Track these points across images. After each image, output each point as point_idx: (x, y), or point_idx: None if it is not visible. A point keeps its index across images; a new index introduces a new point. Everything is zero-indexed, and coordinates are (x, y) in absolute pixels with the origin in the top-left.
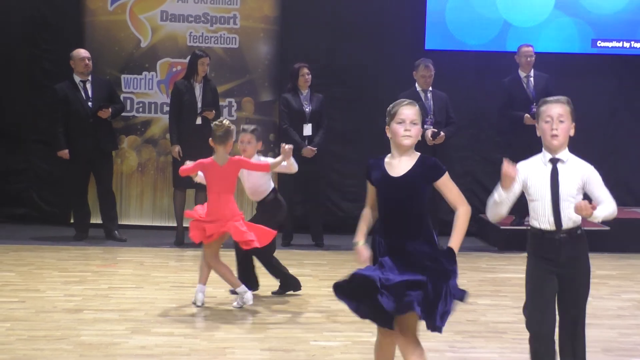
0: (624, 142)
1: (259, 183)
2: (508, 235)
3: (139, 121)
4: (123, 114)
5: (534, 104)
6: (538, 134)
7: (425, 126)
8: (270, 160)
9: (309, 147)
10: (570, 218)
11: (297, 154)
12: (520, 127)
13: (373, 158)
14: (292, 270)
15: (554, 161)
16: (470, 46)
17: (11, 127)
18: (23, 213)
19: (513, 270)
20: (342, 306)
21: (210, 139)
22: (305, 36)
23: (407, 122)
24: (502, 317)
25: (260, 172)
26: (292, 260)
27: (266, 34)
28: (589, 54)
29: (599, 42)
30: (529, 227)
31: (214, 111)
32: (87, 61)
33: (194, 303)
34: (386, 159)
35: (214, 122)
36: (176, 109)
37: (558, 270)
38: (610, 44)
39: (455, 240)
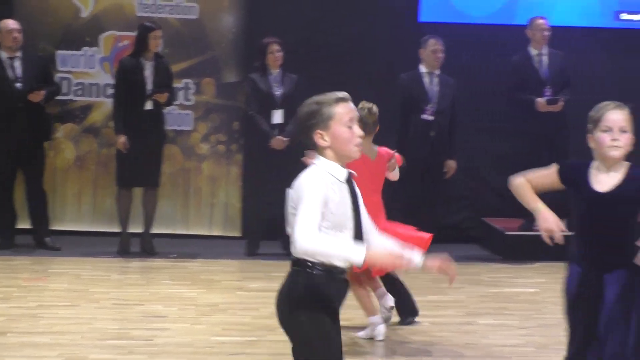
0: None
1: None
2: (514, 242)
3: (78, 106)
4: (58, 97)
5: (547, 86)
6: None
7: (423, 116)
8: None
9: (279, 137)
10: None
11: (265, 145)
12: (532, 114)
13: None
14: (259, 285)
15: None
16: (472, 18)
17: None
18: None
19: (521, 284)
20: None
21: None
22: (278, 5)
23: (615, 130)
24: (507, 339)
25: None
26: (258, 272)
27: (231, 3)
28: (611, 29)
29: (623, 14)
30: (539, 233)
31: (166, 94)
32: (15, 34)
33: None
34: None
35: (362, 107)
36: (122, 92)
37: None
38: (636, 17)
39: None
